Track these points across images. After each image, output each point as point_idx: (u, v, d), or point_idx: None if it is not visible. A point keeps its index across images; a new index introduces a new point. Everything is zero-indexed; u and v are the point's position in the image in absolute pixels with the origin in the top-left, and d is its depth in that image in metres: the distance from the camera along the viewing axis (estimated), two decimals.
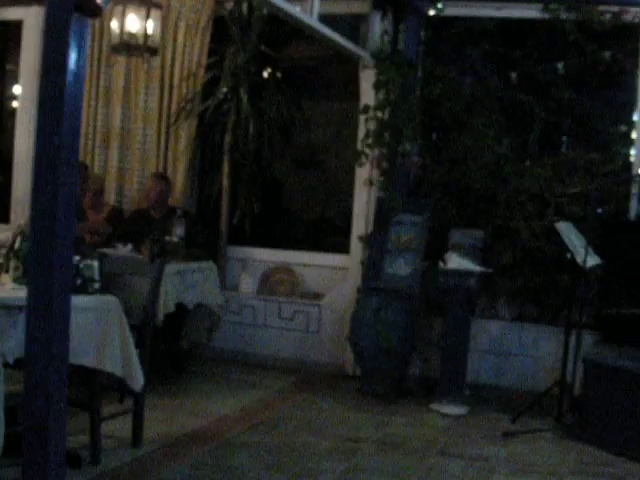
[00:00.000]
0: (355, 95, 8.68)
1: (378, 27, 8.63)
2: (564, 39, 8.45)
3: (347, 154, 9.02)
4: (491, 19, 8.71)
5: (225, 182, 8.96)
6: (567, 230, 7.06)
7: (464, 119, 8.44)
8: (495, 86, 8.53)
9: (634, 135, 8.35)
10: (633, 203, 8.02)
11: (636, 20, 8.14)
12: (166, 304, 7.08)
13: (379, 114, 8.36)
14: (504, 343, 8.26)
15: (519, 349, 8.20)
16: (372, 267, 8.12)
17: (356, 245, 8.61)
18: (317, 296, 8.94)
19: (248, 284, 9.15)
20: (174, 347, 8.07)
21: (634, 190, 8.04)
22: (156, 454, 5.76)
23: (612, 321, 7.68)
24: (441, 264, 7.46)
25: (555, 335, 7.67)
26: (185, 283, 7.56)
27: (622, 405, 6.46)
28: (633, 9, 8.18)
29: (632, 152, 8.28)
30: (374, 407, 7.43)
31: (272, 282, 9.17)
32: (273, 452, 5.99)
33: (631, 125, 8.48)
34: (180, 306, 7.46)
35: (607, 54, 8.70)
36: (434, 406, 7.42)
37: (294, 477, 5.49)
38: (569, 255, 6.95)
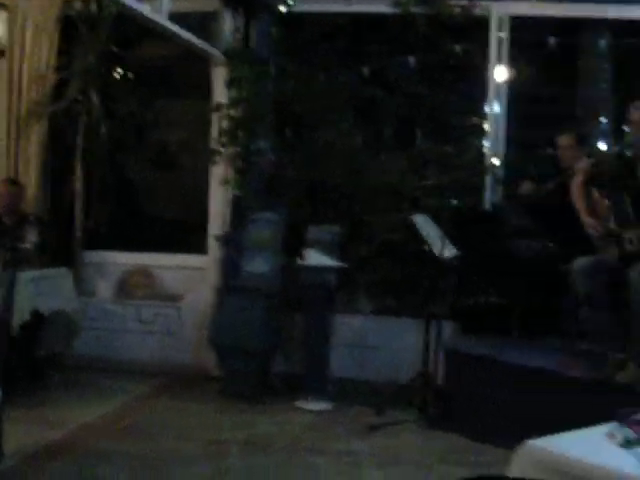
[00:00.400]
0: (209, 93, 8.58)
1: (229, 24, 8.55)
2: (415, 34, 8.52)
3: (202, 153, 8.90)
4: (343, 15, 8.73)
5: (78, 185, 8.74)
6: (423, 222, 7.11)
7: (318, 115, 8.42)
8: (348, 82, 8.53)
9: (486, 127, 8.47)
10: (487, 194, 8.15)
11: (485, 13, 8.26)
12: (21, 312, 6.87)
13: (232, 112, 8.29)
14: (366, 337, 8.28)
15: (381, 342, 8.23)
16: (230, 266, 8.04)
17: (213, 245, 8.52)
18: (176, 298, 8.81)
19: (105, 289, 8.95)
20: (31, 356, 7.82)
21: (488, 181, 8.16)
22: (17, 468, 5.53)
23: (470, 311, 7.80)
24: (299, 261, 7.43)
25: (416, 327, 7.71)
26: (40, 290, 7.34)
27: (483, 392, 6.54)
28: (482, 2, 8.30)
29: (485, 144, 8.40)
30: (239, 408, 7.34)
31: (130, 285, 9.00)
32: (138, 459, 5.84)
33: (483, 117, 8.61)
34: (36, 314, 7.24)
35: (458, 48, 8.82)
36: (299, 403, 7.38)
37: None
38: (426, 247, 7.00)
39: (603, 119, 10.17)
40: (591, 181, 6.27)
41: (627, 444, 3.11)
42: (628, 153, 5.99)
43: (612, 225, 5.93)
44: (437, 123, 8.82)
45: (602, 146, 9.14)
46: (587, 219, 6.19)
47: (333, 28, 8.78)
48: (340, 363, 7.98)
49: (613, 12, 8.83)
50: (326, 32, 8.75)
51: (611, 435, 3.19)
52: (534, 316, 7.46)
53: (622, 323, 5.86)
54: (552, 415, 5.92)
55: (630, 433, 3.17)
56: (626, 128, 6.16)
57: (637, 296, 5.61)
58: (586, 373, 5.69)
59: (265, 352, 7.74)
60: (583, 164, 6.54)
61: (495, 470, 4.61)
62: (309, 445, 6.32)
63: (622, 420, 3.29)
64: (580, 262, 6.02)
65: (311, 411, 7.26)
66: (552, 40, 8.60)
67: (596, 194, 6.10)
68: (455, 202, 7.83)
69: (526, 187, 7.46)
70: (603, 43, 9.77)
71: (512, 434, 5.99)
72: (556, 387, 6.01)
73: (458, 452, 6.21)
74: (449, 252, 6.95)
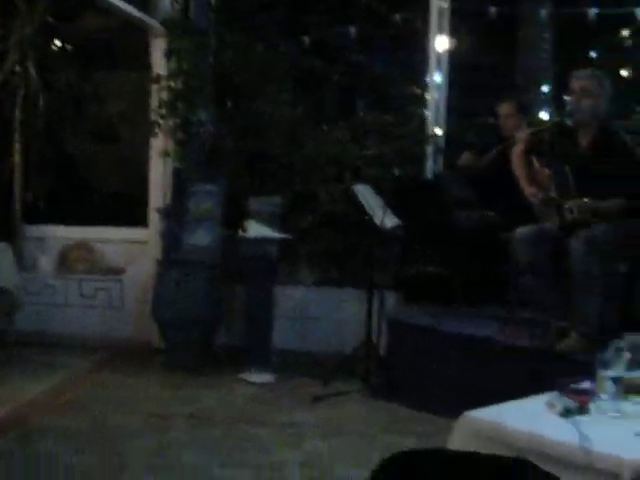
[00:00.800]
0: (149, 65, 8.46)
1: None
2: (355, 3, 8.48)
3: (142, 125, 8.77)
4: None
5: (17, 159, 8.60)
6: (364, 192, 7.08)
7: (258, 86, 8.35)
8: (287, 52, 8.46)
9: (428, 96, 8.45)
10: (429, 163, 8.14)
11: None
12: None
13: (172, 84, 8.19)
14: (309, 308, 8.24)
15: (323, 313, 8.20)
16: (172, 239, 7.96)
17: (154, 217, 8.42)
18: (118, 271, 8.72)
19: (46, 263, 8.84)
20: None
21: (429, 150, 8.15)
22: None
23: (412, 280, 7.81)
24: (241, 232, 7.38)
25: (358, 297, 7.69)
26: None
27: (426, 362, 6.57)
28: None
29: (426, 113, 8.38)
30: (182, 380, 7.28)
31: (71, 260, 8.88)
32: (82, 434, 5.76)
33: (424, 87, 8.59)
34: None
35: (397, 17, 8.79)
36: (243, 375, 7.33)
37: (105, 458, 5.31)
38: (368, 217, 6.98)
39: (544, 88, 10.21)
40: (531, 150, 6.27)
41: (566, 413, 3.12)
42: (568, 122, 5.99)
43: (553, 194, 5.93)
44: (378, 93, 8.80)
45: (543, 115, 9.16)
46: (527, 187, 6.20)
47: None
48: (283, 335, 7.94)
49: None
50: (265, 2, 8.65)
51: (551, 405, 3.19)
52: (476, 285, 7.47)
53: (564, 292, 5.88)
54: (495, 384, 5.93)
55: (569, 402, 3.17)
56: (567, 97, 6.16)
57: (578, 265, 5.62)
58: (528, 342, 5.70)
59: (207, 324, 7.69)
60: (523, 133, 6.55)
61: (438, 439, 4.59)
62: (252, 417, 6.29)
63: (562, 389, 3.30)
64: (522, 231, 6.02)
65: (254, 383, 7.22)
66: (493, 9, 8.57)
67: (536, 163, 6.10)
68: (396, 172, 7.80)
69: (465, 158, 7.44)
70: (543, 12, 9.77)
71: (455, 403, 6.00)
72: (498, 356, 6.03)
73: (401, 422, 6.21)
74: (390, 222, 6.93)
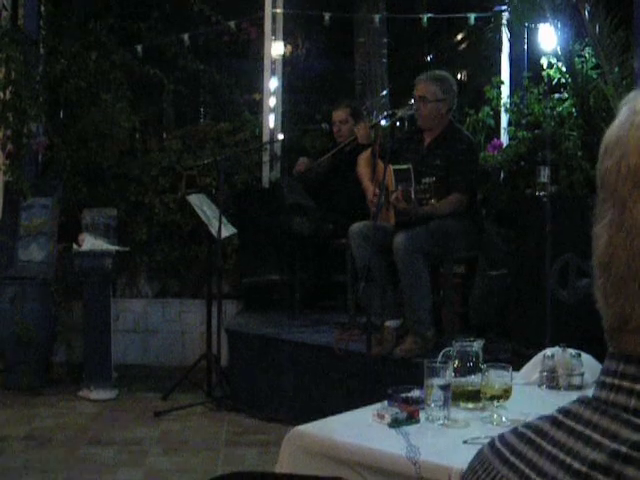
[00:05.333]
0: None
1: None
2: (189, 10, 8.37)
3: None
4: None
5: None
6: (199, 202, 6.97)
7: (92, 95, 8.14)
8: (121, 60, 8.28)
9: (264, 103, 8.39)
10: (265, 170, 8.08)
11: None
12: None
13: (0, 94, 7.89)
14: (148, 320, 8.10)
15: (164, 325, 8.08)
16: (5, 255, 7.70)
17: None
18: None
19: None
20: None
21: (265, 158, 8.09)
22: None
23: (251, 289, 7.76)
24: (75, 246, 7.18)
25: (199, 308, 7.61)
26: None
27: (267, 371, 6.54)
28: None
29: (263, 119, 8.31)
30: (19, 401, 7.01)
31: None
32: None
33: (261, 93, 8.54)
34: None
35: (232, 23, 8.71)
36: (82, 393, 7.11)
37: None
38: (204, 227, 6.89)
39: (383, 92, 10.27)
40: (375, 154, 6.28)
41: (395, 423, 3.06)
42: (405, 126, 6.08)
43: (393, 189, 5.91)
44: (215, 100, 8.70)
45: (382, 120, 9.21)
46: (368, 186, 6.19)
47: (104, 5, 8.50)
48: (123, 349, 7.80)
49: None
50: (97, 10, 8.45)
51: (380, 415, 3.13)
52: (316, 292, 7.48)
53: (399, 293, 5.89)
54: (336, 391, 5.94)
55: (398, 412, 3.12)
56: (412, 101, 6.18)
57: (402, 264, 5.63)
58: (365, 348, 5.66)
59: (43, 342, 7.44)
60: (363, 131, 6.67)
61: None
62: (93, 436, 6.13)
63: (391, 399, 3.24)
64: (356, 225, 6.00)
65: (95, 400, 7.00)
66: (327, 15, 8.54)
67: (380, 163, 6.09)
68: (233, 180, 7.74)
69: (300, 164, 7.44)
70: (378, 18, 9.81)
71: (298, 412, 6.03)
72: (338, 363, 6.00)
73: (245, 433, 6.17)
74: (227, 231, 6.84)
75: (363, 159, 6.42)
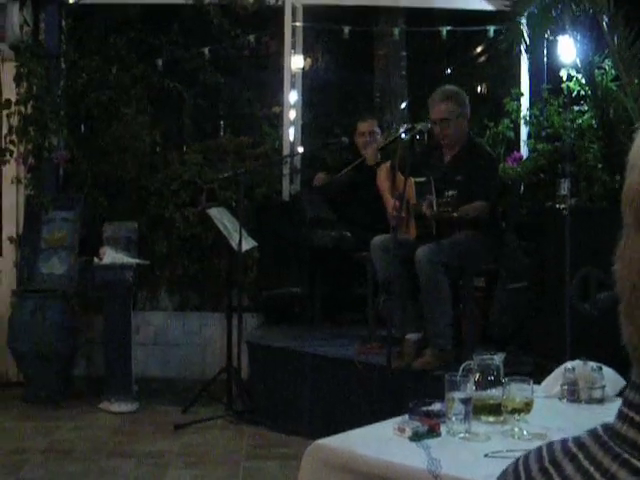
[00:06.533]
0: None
1: (17, 17, 8.18)
2: (209, 24, 8.40)
3: None
4: (134, 6, 8.53)
5: None
6: (220, 215, 6.99)
7: (112, 108, 8.19)
8: (142, 74, 8.33)
9: (285, 116, 8.41)
10: (285, 184, 8.10)
11: (279, 3, 8.17)
12: None
13: (22, 109, 7.96)
14: (169, 333, 8.10)
15: (184, 338, 8.07)
16: (26, 268, 7.75)
17: (8, 247, 8.17)
18: None
19: None
20: None
21: (285, 171, 8.10)
22: None
23: (271, 302, 7.76)
24: (96, 260, 7.21)
25: (219, 321, 7.62)
26: None
27: (288, 384, 6.53)
28: None
29: (284, 133, 8.33)
30: (40, 414, 7.02)
31: None
32: None
33: (281, 106, 8.56)
34: None
35: (252, 37, 8.75)
36: (103, 406, 7.12)
37: None
38: (225, 240, 6.89)
39: (402, 105, 10.29)
40: (394, 168, 6.29)
41: (416, 437, 3.06)
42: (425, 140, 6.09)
43: (414, 201, 5.92)
44: (235, 114, 8.71)
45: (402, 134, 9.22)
46: (388, 199, 6.20)
47: (125, 19, 8.54)
48: (144, 362, 7.80)
49: (405, 1, 8.97)
50: (118, 24, 8.50)
51: (401, 428, 3.13)
52: (336, 305, 7.48)
53: (420, 306, 5.89)
54: (356, 405, 5.94)
55: (419, 425, 3.11)
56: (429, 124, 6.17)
57: (423, 276, 5.63)
58: (385, 360, 5.66)
59: (64, 355, 7.46)
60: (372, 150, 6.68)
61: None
62: (113, 449, 6.13)
63: (412, 412, 3.24)
64: (378, 238, 6.01)
65: (115, 413, 7.02)
66: (347, 29, 8.56)
67: (400, 175, 6.10)
68: (254, 193, 7.75)
69: (319, 178, 7.44)
70: (397, 31, 9.83)
71: (319, 425, 6.03)
72: (358, 376, 6.00)
73: (265, 446, 6.15)
74: (247, 244, 6.85)
75: (383, 172, 6.43)
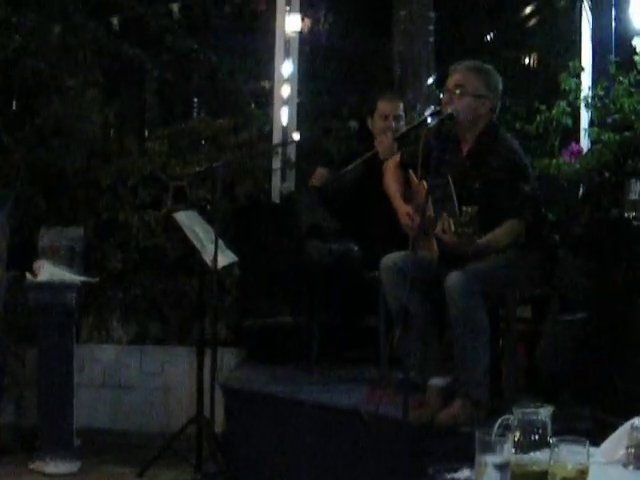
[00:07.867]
0: None
1: None
2: None
3: None
4: None
5: None
6: (190, 221, 7.00)
7: (54, 80, 8.24)
8: (93, 36, 8.37)
9: (276, 93, 8.42)
10: (275, 181, 8.10)
11: None
12: None
13: None
14: (122, 373, 8.17)
15: (142, 379, 8.14)
16: None
17: None
18: None
19: None
20: None
21: (276, 165, 8.10)
22: None
23: (256, 334, 7.77)
24: (29, 276, 7.23)
25: (187, 358, 7.67)
26: None
27: (274, 441, 6.54)
28: None
29: (274, 115, 8.33)
30: None
31: None
32: None
33: (271, 80, 8.57)
34: None
35: None
36: (35, 466, 7.17)
37: None
38: (196, 254, 6.93)
39: (429, 81, 10.30)
40: (405, 163, 6.29)
41: None
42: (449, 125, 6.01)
43: (430, 212, 5.90)
44: (211, 89, 8.75)
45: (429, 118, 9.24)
46: (401, 207, 6.19)
47: None
48: (89, 409, 7.84)
49: None
50: None
51: None
52: (338, 339, 7.49)
53: (446, 344, 5.90)
54: (364, 468, 5.96)
55: None
56: (442, 95, 6.20)
57: (456, 309, 5.62)
58: (402, 412, 5.68)
59: None
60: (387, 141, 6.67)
61: None
62: None
63: None
64: (390, 257, 5.99)
65: (51, 475, 7.07)
66: None
67: (414, 177, 6.10)
68: (235, 192, 7.78)
69: (320, 175, 7.41)
70: None
71: None
72: (367, 431, 6.01)
73: None
74: (225, 259, 6.88)
75: (390, 170, 6.42)
